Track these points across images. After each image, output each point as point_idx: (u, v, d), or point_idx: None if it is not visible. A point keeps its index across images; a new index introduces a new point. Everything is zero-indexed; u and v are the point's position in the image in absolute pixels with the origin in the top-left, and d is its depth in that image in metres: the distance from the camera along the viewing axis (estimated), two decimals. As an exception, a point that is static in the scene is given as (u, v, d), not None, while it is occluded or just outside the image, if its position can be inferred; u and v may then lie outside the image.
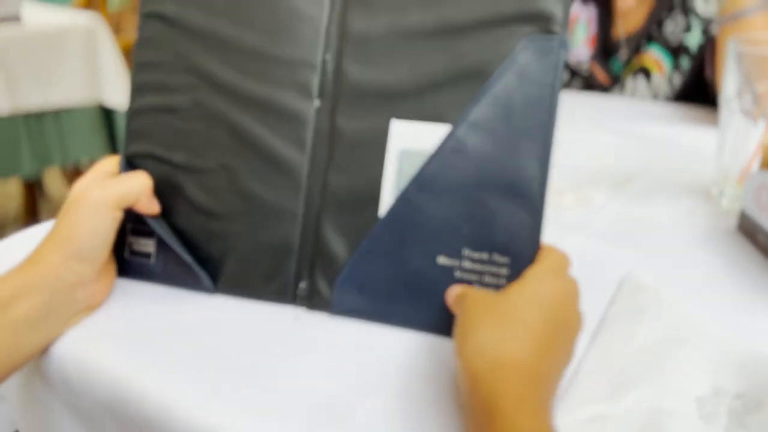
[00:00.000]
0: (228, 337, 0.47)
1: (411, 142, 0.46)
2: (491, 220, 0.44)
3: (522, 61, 0.43)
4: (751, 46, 0.69)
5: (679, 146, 0.92)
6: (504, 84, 0.44)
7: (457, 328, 0.40)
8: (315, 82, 0.49)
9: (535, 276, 0.41)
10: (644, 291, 0.53)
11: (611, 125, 0.99)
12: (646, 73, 1.20)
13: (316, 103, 0.49)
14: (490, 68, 0.44)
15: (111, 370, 0.44)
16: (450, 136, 0.45)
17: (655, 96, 1.20)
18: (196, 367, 0.43)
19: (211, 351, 0.45)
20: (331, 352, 0.45)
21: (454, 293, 0.44)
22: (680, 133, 0.97)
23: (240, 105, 0.50)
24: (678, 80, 1.17)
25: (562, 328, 0.40)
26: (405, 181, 0.47)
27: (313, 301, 0.50)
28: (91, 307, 0.50)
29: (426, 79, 0.46)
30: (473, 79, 0.45)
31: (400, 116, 0.47)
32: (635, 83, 1.21)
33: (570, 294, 0.41)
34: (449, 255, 0.46)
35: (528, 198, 0.44)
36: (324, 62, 0.49)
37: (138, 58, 0.53)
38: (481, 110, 0.44)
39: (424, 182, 0.45)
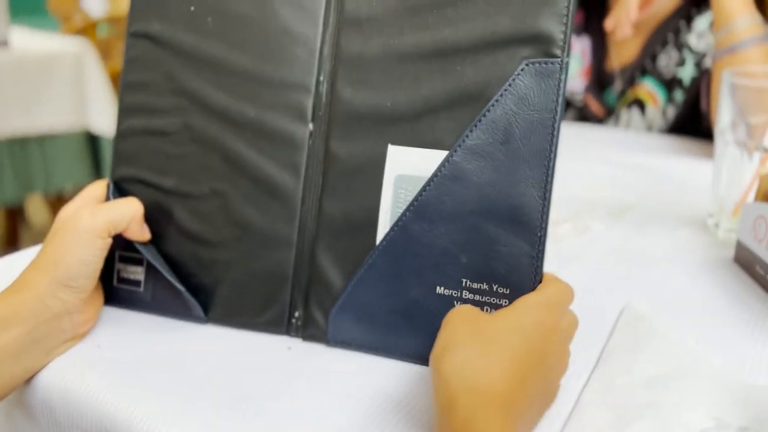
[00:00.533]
0: (219, 369, 0.46)
1: (407, 168, 0.46)
2: (490, 250, 0.44)
3: (521, 84, 0.43)
4: (745, 78, 0.70)
5: (674, 178, 0.92)
6: (502, 108, 0.44)
7: (438, 342, 0.39)
8: (309, 105, 0.49)
9: (525, 305, 0.41)
10: (643, 322, 0.53)
11: (606, 156, 1.00)
12: (640, 105, 1.22)
13: (310, 126, 0.49)
14: (488, 92, 0.44)
15: (96, 401, 0.43)
16: (447, 162, 0.45)
17: (650, 128, 1.22)
18: (185, 398, 0.42)
19: (201, 382, 0.44)
20: (325, 385, 0.44)
21: None
22: (675, 164, 0.98)
23: (232, 128, 0.50)
24: (672, 113, 1.19)
25: (544, 364, 0.39)
26: (402, 208, 0.46)
27: (309, 331, 0.50)
28: (77, 337, 0.49)
29: (422, 102, 0.46)
30: (471, 103, 0.45)
31: (396, 141, 0.47)
32: (629, 115, 1.23)
33: (560, 330, 0.41)
34: (448, 285, 0.45)
35: (528, 227, 0.43)
36: (318, 84, 0.49)
37: (125, 79, 0.53)
38: (479, 135, 0.44)
39: (421, 209, 0.45)
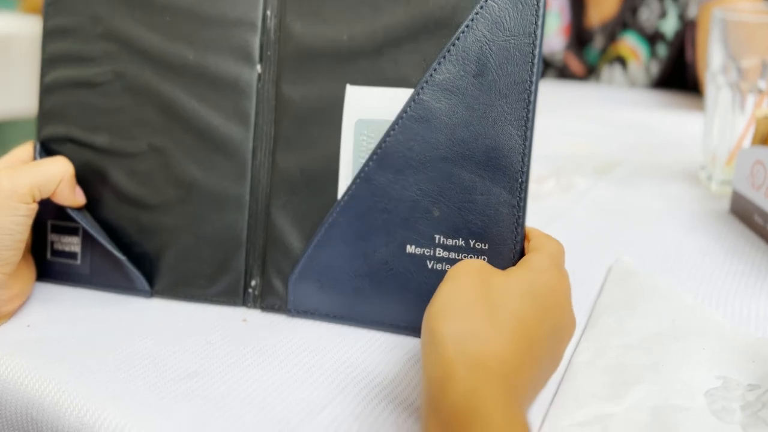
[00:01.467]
0: (163, 346, 0.40)
1: (369, 111, 0.41)
2: (465, 200, 0.39)
3: (494, 6, 0.38)
4: (736, 15, 0.65)
5: (661, 132, 0.88)
6: (474, 35, 0.38)
7: (436, 299, 0.34)
8: (255, 43, 0.43)
9: (535, 265, 0.36)
10: (635, 278, 0.48)
11: (589, 113, 0.95)
12: (622, 61, 1.17)
13: (258, 68, 0.43)
14: (457, 17, 0.39)
15: (22, 387, 0.37)
16: (413, 101, 0.39)
17: (632, 85, 1.17)
18: (121, 379, 0.37)
19: (141, 361, 0.39)
20: (283, 359, 0.39)
21: None
22: (662, 119, 0.94)
23: (169, 75, 0.44)
24: (655, 68, 1.14)
25: (556, 331, 0.34)
26: (365, 157, 0.41)
27: (267, 301, 0.44)
28: (3, 316, 0.43)
29: (382, 33, 0.40)
30: (438, 31, 0.39)
31: (355, 80, 0.41)
32: (611, 72, 1.18)
33: (567, 291, 0.36)
34: (419, 243, 0.40)
35: (507, 172, 0.38)
36: (265, 20, 0.43)
37: (47, 24, 0.46)
38: (449, 68, 0.39)
39: (386, 157, 0.40)
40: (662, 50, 1.13)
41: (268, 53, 0.43)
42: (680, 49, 1.11)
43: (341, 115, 0.41)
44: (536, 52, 0.37)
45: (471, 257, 0.39)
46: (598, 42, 1.20)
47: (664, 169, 0.74)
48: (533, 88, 0.38)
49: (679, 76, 1.12)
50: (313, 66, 0.42)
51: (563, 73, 1.25)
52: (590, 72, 1.22)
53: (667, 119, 0.94)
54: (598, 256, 0.52)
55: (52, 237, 0.48)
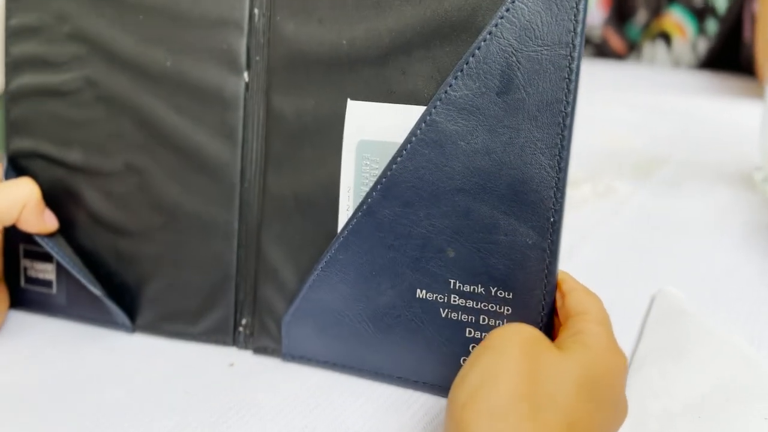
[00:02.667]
0: (137, 396, 0.35)
1: (373, 130, 0.34)
2: (486, 240, 0.33)
3: (523, 9, 0.31)
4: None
5: (710, 122, 0.79)
6: (498, 44, 0.31)
7: (466, 375, 0.27)
8: (241, 47, 0.37)
9: (593, 341, 0.29)
10: (682, 317, 0.41)
11: (629, 98, 0.87)
12: (666, 38, 1.08)
13: (245, 76, 0.37)
14: (478, 21, 0.32)
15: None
16: (424, 122, 0.33)
17: (677, 64, 1.08)
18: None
19: (110, 419, 0.34)
20: (272, 419, 0.34)
21: None
22: (710, 106, 0.85)
23: (145, 84, 0.38)
24: (703, 46, 1.05)
25: (606, 424, 0.27)
26: (368, 185, 0.35)
27: (260, 342, 0.39)
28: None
29: (388, 38, 0.34)
30: (454, 37, 0.33)
31: (356, 94, 0.35)
32: (653, 50, 1.09)
33: (624, 376, 0.29)
34: (431, 287, 0.34)
35: (536, 209, 0.32)
36: (252, 19, 0.37)
37: (10, 23, 0.41)
38: (467, 83, 0.32)
39: (393, 187, 0.34)
40: (712, 26, 1.03)
41: (257, 58, 0.37)
42: (733, 25, 1.01)
43: (341, 134, 0.35)
44: (574, 66, 0.31)
45: (493, 308, 0.33)
46: (641, 16, 1.11)
47: (714, 169, 0.66)
48: (569, 109, 0.31)
49: (730, 56, 1.02)
50: (308, 75, 0.36)
51: (601, 50, 1.16)
52: (631, 49, 1.13)
53: (716, 106, 0.85)
54: (639, 283, 0.46)
55: (24, 263, 0.43)
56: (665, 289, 0.44)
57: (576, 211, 0.57)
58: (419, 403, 0.35)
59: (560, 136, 0.31)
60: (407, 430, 0.33)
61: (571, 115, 0.31)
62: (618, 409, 0.28)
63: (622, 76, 1.01)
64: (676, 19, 1.07)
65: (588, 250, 0.49)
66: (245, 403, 0.35)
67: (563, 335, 0.30)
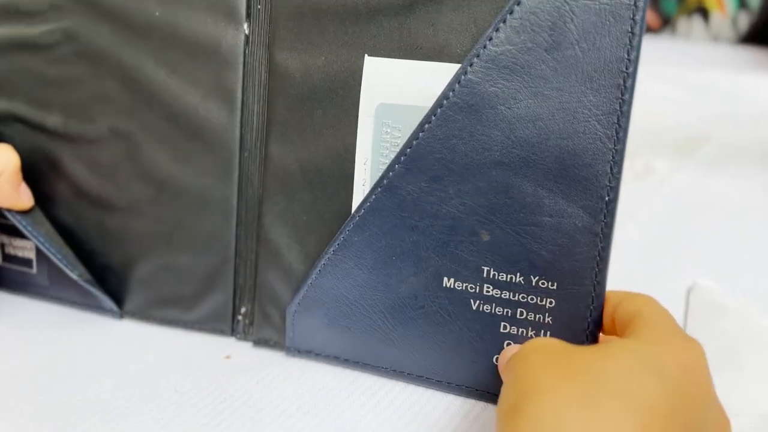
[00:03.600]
0: (123, 394, 0.31)
1: (395, 92, 0.29)
2: (527, 222, 0.28)
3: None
4: None
5: (754, 99, 0.74)
6: (551, -10, 0.26)
7: (507, 393, 0.24)
8: None
9: (647, 333, 0.24)
10: (728, 316, 0.37)
11: (665, 73, 0.81)
12: (703, 12, 1.01)
13: (245, 28, 0.32)
14: (526, -39, 0.27)
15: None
16: (458, 83, 0.28)
17: (715, 39, 1.02)
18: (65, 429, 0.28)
19: (92, 419, 0.30)
20: (270, 422, 0.30)
21: (509, 354, 0.27)
22: (753, 82, 0.79)
23: (131, 37, 0.33)
24: (744, 21, 0.99)
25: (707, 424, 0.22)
26: (389, 156, 0.30)
27: (261, 333, 0.35)
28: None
29: None
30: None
31: (376, 49, 0.30)
32: (690, 25, 1.03)
33: (706, 369, 0.24)
34: (460, 275, 0.29)
35: (589, 187, 0.27)
36: None
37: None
38: (510, 38, 0.27)
39: (418, 159, 0.29)
40: (755, 0, 0.97)
41: (258, 7, 0.32)
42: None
43: (357, 96, 0.30)
44: (638, 17, 0.25)
45: (533, 300, 0.29)
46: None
47: (759, 148, 0.61)
48: (631, 69, 0.26)
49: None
50: (318, 26, 0.31)
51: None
52: (665, 24, 1.07)
53: (760, 84, 0.80)
54: (677, 270, 0.41)
55: (1, 238, 0.39)
56: (700, 282, 0.40)
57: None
58: (442, 407, 0.31)
59: (620, 100, 0.26)
60: (431, 439, 0.29)
61: (633, 76, 0.26)
62: (711, 413, 0.23)
63: (655, 50, 0.96)
64: (713, -10, 1.01)
65: (625, 234, 0.45)
66: (240, 404, 0.31)
67: None
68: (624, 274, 0.28)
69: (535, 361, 0.24)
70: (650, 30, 1.08)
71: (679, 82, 0.78)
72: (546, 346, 0.24)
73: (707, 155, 0.60)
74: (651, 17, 1.06)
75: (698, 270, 0.41)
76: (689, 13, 1.03)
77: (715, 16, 1.00)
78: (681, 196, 0.52)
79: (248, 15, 0.32)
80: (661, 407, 0.21)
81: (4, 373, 0.32)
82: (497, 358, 0.30)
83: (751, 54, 0.93)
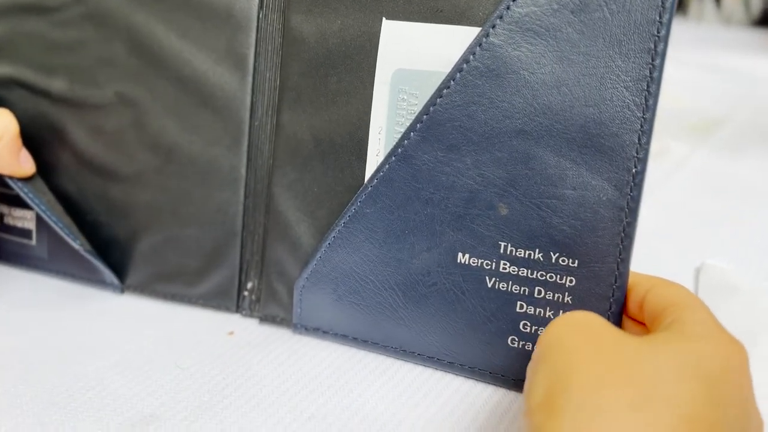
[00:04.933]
0: (122, 370, 0.30)
1: (413, 57, 0.28)
2: (549, 195, 0.27)
3: None
4: None
5: (769, 84, 0.73)
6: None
7: (534, 384, 0.22)
8: None
9: (689, 328, 0.23)
10: (737, 294, 0.35)
11: (679, 55, 0.80)
12: (716, -4, 1.00)
13: None
14: None
15: None
16: (479, 46, 0.27)
17: (727, 22, 1.01)
18: (57, 423, 0.27)
19: (89, 393, 0.29)
20: (275, 401, 0.29)
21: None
22: (769, 67, 0.78)
23: (144, 1, 0.33)
24: (758, 3, 0.97)
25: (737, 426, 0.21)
26: (404, 124, 0.29)
27: (267, 309, 0.34)
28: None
29: None
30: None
31: (393, 12, 0.29)
32: (701, 8, 1.01)
33: (746, 370, 0.22)
34: (476, 251, 0.28)
35: (615, 158, 0.26)
36: None
37: None
38: (538, -2, 0.26)
39: (434, 127, 0.28)
40: (770, -16, 0.96)
41: None
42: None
43: (373, 61, 0.29)
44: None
45: (552, 278, 0.27)
46: (690, -27, 1.03)
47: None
48: (663, 32, 0.25)
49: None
50: (335, -11, 0.30)
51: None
52: (676, 7, 1.05)
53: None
54: (693, 253, 0.40)
55: (0, 208, 0.38)
56: (708, 262, 0.39)
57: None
58: (453, 388, 0.30)
59: (650, 66, 0.25)
60: (437, 420, 0.28)
61: (665, 40, 0.25)
62: (749, 417, 0.22)
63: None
64: (729, -23, 0.99)
65: (642, 215, 0.43)
66: (243, 382, 0.30)
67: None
68: (638, 252, 0.27)
69: (574, 344, 0.22)
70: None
71: (694, 64, 0.77)
72: (585, 323, 0.23)
73: (724, 137, 0.59)
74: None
75: (711, 251, 0.40)
76: None
77: None
78: (697, 177, 0.51)
79: (262, -23, 0.31)
80: (708, 415, 0.20)
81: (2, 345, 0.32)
82: (513, 339, 0.29)
83: (764, 37, 0.91)
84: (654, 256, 0.38)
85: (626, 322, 0.28)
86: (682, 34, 0.95)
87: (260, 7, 0.31)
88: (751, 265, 0.40)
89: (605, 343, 0.22)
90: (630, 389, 0.20)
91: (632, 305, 0.27)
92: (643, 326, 0.27)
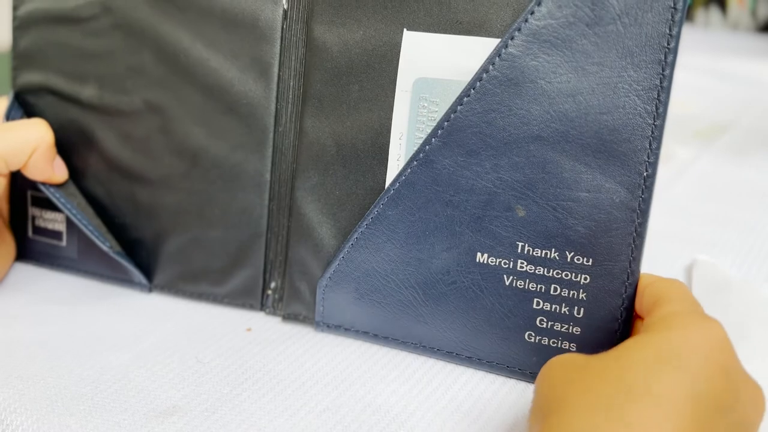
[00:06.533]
0: (145, 363, 0.32)
1: (433, 67, 0.30)
2: (564, 198, 0.28)
3: None
4: None
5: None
6: (596, -37, 0.27)
7: (534, 418, 0.24)
8: None
9: (667, 317, 0.24)
10: (730, 289, 0.37)
11: (685, 61, 0.81)
12: (720, 3, 1.01)
13: (284, 3, 0.33)
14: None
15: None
16: (497, 57, 0.28)
17: (734, 29, 1.02)
18: (83, 413, 0.28)
19: (113, 386, 0.30)
20: (291, 394, 0.30)
21: None
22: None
23: (169, 10, 0.34)
24: (765, 10, 0.99)
25: (735, 415, 0.22)
26: (425, 130, 0.31)
27: (290, 308, 0.35)
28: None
29: None
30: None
31: (415, 23, 0.30)
32: (707, 16, 1.03)
33: (726, 346, 0.24)
34: (494, 251, 0.30)
35: (627, 162, 0.27)
36: None
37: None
38: (551, 11, 0.27)
39: (454, 133, 0.29)
40: (774, -12, 0.97)
41: None
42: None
43: (395, 70, 0.31)
44: (683, -9, 0.26)
45: (567, 276, 0.29)
46: (693, -23, 1.05)
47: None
48: (673, 44, 0.26)
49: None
50: (358, 1, 0.31)
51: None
52: (682, 14, 1.07)
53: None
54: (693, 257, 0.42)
55: (33, 211, 0.39)
56: (700, 258, 0.40)
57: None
58: (471, 383, 0.31)
59: (660, 76, 0.27)
60: (447, 412, 0.29)
61: (675, 52, 0.26)
62: (740, 388, 0.23)
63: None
64: (732, -19, 1.00)
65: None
66: (261, 376, 0.31)
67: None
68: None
69: (556, 377, 0.24)
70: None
71: (699, 70, 0.79)
72: (566, 361, 0.25)
73: (729, 142, 0.60)
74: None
75: (717, 255, 0.42)
76: (706, 3, 1.03)
77: (733, 6, 1.00)
78: (701, 182, 0.53)
79: (288, -10, 0.33)
80: (686, 400, 0.21)
81: (25, 341, 0.33)
82: (530, 334, 0.30)
83: (769, 43, 0.93)
84: (659, 256, 0.40)
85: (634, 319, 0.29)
86: (688, 40, 0.96)
87: (284, 18, 0.33)
88: (755, 268, 0.41)
89: (580, 368, 0.23)
90: (603, 397, 0.21)
91: (636, 303, 0.29)
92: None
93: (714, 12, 1.02)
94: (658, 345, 0.23)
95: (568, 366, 0.24)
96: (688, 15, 1.07)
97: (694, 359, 0.22)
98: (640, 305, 0.28)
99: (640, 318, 0.29)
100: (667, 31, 0.26)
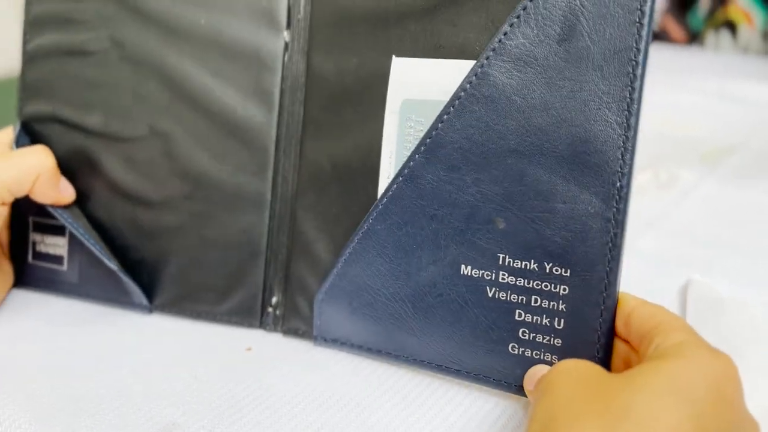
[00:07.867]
0: (144, 380, 0.34)
1: (419, 88, 0.32)
2: (542, 209, 0.30)
3: (590, -56, 0.29)
4: None
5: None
6: (561, -14, 0.29)
7: (534, 417, 0.25)
8: (282, 4, 0.36)
9: (671, 350, 0.25)
10: (725, 309, 0.37)
11: (693, 84, 0.83)
12: (731, 27, 1.03)
13: (285, 36, 0.36)
14: (537, -39, 0.30)
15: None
16: (475, 75, 0.30)
17: (744, 51, 1.04)
18: (87, 418, 0.30)
19: (112, 403, 0.32)
20: (288, 411, 0.31)
21: (537, 375, 0.29)
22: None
23: (176, 43, 0.37)
24: (775, 33, 1.00)
25: None
26: (411, 148, 0.33)
27: (290, 324, 0.37)
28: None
29: None
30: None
31: (402, 50, 0.33)
32: (717, 39, 1.05)
33: (736, 380, 0.25)
34: (477, 263, 0.31)
35: (601, 173, 0.29)
36: None
37: (31, -22, 0.40)
38: (525, 31, 0.30)
39: (437, 149, 0.31)
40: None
41: (298, 17, 0.36)
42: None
43: (384, 94, 0.33)
44: (646, 7, 0.28)
45: (547, 287, 0.30)
46: (704, 4, 1.07)
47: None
48: (641, 58, 0.28)
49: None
50: (352, 32, 0.34)
51: (660, 40, 1.12)
52: (692, 39, 1.09)
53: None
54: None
55: (34, 236, 0.42)
56: (695, 278, 0.40)
57: (634, 200, 0.54)
58: (456, 402, 0.32)
59: (629, 88, 0.28)
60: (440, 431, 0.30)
61: (643, 65, 0.28)
62: (745, 424, 0.24)
63: (683, 61, 0.97)
64: (742, 7, 1.02)
65: (646, 244, 0.46)
66: (260, 393, 0.33)
67: (641, 359, 0.27)
68: (645, 281, 0.30)
69: (563, 387, 0.25)
70: (676, 44, 1.11)
71: (707, 93, 0.80)
72: (575, 370, 0.26)
73: (734, 166, 0.61)
74: (677, 33, 1.08)
75: (722, 280, 0.42)
76: (717, 27, 1.05)
77: (743, 29, 1.01)
78: (705, 206, 0.53)
79: (288, 24, 0.36)
80: (693, 429, 0.22)
81: (27, 360, 0.35)
82: (513, 346, 0.32)
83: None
84: (657, 278, 0.40)
85: (615, 340, 0.30)
86: (698, 63, 0.98)
87: (285, 49, 0.36)
88: (755, 291, 0.41)
89: (589, 383, 0.25)
90: (604, 419, 0.22)
91: (619, 324, 0.30)
92: (630, 346, 0.29)
93: (724, 35, 1.04)
94: (669, 375, 0.23)
95: (577, 376, 0.25)
96: (699, 39, 1.09)
97: (704, 393, 0.23)
98: (626, 329, 0.29)
99: (624, 340, 0.30)
100: (634, 45, 0.28)
